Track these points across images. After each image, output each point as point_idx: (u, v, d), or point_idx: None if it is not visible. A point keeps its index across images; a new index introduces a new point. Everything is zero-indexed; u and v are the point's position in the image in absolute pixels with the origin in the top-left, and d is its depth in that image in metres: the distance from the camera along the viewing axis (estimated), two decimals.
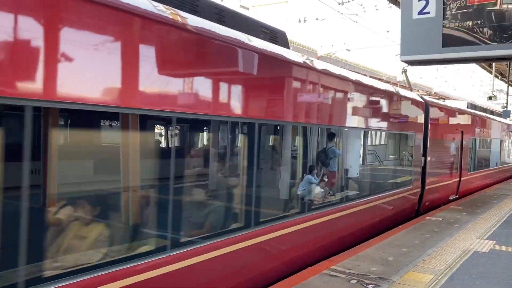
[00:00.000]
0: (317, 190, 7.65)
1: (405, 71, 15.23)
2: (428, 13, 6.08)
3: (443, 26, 6.05)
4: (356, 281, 6.13)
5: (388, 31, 23.43)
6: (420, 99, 12.40)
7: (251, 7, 17.31)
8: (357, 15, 17.17)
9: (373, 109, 9.55)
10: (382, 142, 11.24)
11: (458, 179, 15.62)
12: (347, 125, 8.45)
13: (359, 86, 8.87)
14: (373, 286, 5.96)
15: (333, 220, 7.76)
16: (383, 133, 10.90)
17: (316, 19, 18.74)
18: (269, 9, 18.06)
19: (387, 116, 10.29)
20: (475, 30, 5.93)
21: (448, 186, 14.72)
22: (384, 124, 10.31)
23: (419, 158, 12.22)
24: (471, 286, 6.12)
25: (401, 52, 6.30)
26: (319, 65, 7.67)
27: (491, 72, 22.30)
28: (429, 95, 19.09)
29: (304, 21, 19.06)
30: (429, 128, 12.63)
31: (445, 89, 40.72)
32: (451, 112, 15.26)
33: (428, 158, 12.62)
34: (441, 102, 15.68)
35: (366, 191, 9.64)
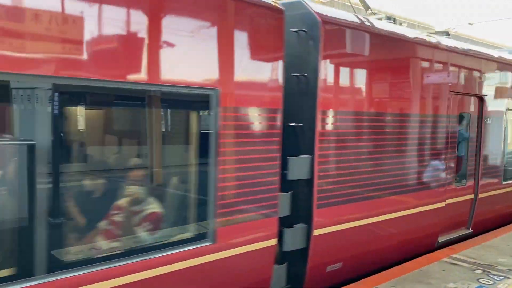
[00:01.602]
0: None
1: None
2: None
3: None
4: (481, 271, 5.71)
5: None
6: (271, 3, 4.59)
7: None
8: None
9: None
10: None
11: (470, 195, 7.42)
12: None
13: None
14: (501, 278, 5.50)
15: None
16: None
17: None
18: None
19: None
20: None
21: (427, 216, 6.52)
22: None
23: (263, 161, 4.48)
24: None
25: None
26: None
27: None
28: None
29: None
30: (330, 80, 5.11)
31: None
32: (440, 53, 6.72)
33: (323, 157, 5.05)
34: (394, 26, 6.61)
35: None
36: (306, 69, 4.92)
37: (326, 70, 5.01)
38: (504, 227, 8.04)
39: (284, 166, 4.60)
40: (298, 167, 4.77)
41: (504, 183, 8.16)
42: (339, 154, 5.16)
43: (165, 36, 3.71)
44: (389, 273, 5.57)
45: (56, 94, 3.17)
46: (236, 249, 4.17)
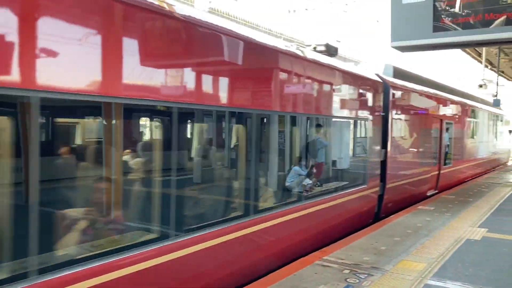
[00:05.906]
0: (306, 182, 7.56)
1: None
2: None
3: (433, 10, 5.95)
4: (349, 271, 6.05)
5: (378, 21, 23.39)
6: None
7: None
8: (346, 4, 17.10)
9: None
10: None
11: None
12: None
13: None
14: (366, 275, 5.89)
15: None
16: None
17: (306, 9, 18.52)
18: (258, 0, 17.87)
19: None
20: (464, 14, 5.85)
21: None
22: None
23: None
24: (464, 274, 6.06)
25: (391, 38, 6.20)
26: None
27: (481, 62, 22.38)
28: None
29: (294, 11, 18.89)
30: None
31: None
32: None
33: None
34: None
35: None
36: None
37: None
38: (367, 228, 8.71)
39: None
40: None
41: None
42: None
43: None
44: (264, 280, 5.60)
45: None
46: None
